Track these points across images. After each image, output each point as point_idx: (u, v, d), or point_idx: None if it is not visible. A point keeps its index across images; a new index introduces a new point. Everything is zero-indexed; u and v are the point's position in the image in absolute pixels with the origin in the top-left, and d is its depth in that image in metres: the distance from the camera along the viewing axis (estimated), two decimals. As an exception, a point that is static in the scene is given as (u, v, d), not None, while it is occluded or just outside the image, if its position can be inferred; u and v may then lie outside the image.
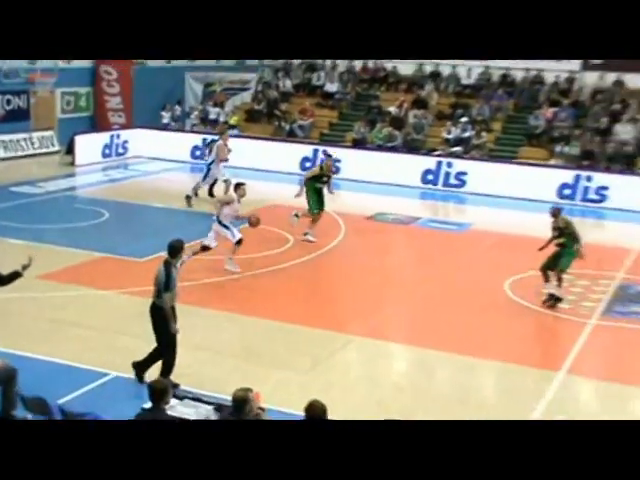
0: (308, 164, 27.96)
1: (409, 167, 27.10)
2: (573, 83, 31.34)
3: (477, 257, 19.39)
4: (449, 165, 27.25)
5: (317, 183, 19.33)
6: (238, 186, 16.46)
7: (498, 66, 32.60)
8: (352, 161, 27.29)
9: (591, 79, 31.13)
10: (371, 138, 29.69)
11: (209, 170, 22.39)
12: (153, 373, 10.50)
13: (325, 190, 19.42)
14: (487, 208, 24.82)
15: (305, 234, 19.09)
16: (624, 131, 27.89)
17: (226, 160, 22.55)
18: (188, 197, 22.22)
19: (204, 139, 23.83)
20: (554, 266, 15.15)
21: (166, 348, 10.80)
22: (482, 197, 25.75)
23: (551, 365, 12.85)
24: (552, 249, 15.32)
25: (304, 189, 19.37)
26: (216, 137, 23.69)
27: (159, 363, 10.86)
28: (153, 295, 10.83)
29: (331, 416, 7.31)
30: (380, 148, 28.41)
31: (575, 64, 31.58)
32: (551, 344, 14.41)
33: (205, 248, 16.19)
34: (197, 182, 22.66)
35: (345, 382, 11.90)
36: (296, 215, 19.17)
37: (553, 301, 15.21)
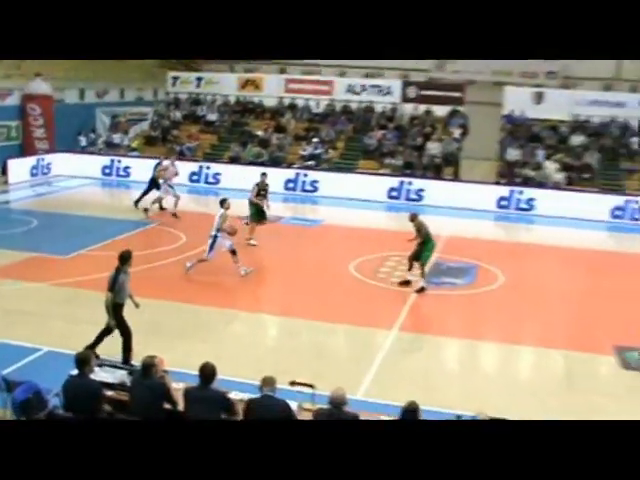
0: (195, 177, 28.12)
1: (274, 178, 26.72)
2: (396, 112, 32.00)
3: (328, 245, 19.66)
4: (305, 175, 27.49)
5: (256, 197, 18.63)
6: (224, 201, 15.46)
7: (340, 99, 33.04)
8: (229, 174, 27.54)
9: (408, 109, 31.83)
10: (244, 156, 29.57)
11: (170, 188, 21.72)
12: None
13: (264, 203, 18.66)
14: (334, 208, 25.17)
15: (248, 239, 18.35)
16: (433, 147, 28.72)
17: (170, 179, 21.93)
18: (174, 215, 21.26)
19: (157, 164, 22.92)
20: (417, 259, 15.32)
21: (105, 332, 10.47)
22: (330, 199, 26.09)
23: (387, 325, 13.16)
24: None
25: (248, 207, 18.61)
26: (159, 161, 22.89)
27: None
28: None
29: (220, 374, 7.34)
30: (251, 163, 28.22)
31: (396, 97, 32.35)
32: (386, 309, 14.67)
33: (233, 252, 15.42)
34: (173, 203, 21.68)
35: (232, 347, 11.89)
36: (246, 223, 18.50)
37: (420, 288, 15.09)
